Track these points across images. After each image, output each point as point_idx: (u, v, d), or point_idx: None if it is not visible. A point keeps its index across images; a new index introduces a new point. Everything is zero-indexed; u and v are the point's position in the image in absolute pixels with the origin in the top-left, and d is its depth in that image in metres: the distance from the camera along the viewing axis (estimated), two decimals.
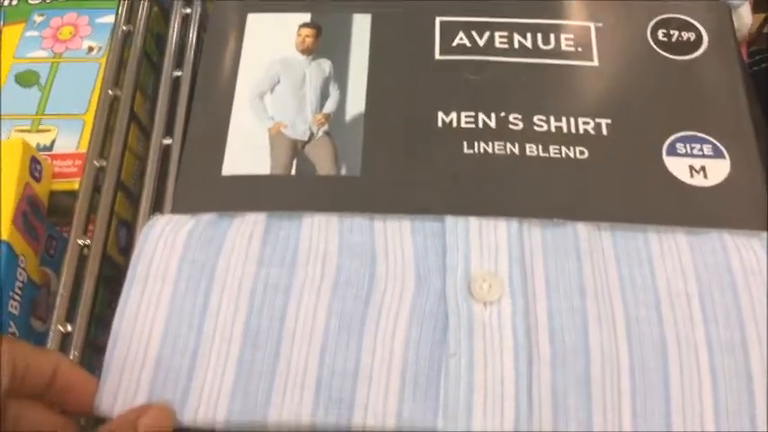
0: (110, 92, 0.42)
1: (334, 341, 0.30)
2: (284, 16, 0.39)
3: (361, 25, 0.38)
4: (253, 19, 0.39)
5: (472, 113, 0.36)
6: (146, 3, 0.45)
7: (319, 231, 0.33)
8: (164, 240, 0.33)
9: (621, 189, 0.34)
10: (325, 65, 0.38)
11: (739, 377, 0.30)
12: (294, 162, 0.35)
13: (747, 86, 0.37)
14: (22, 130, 0.45)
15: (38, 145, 0.44)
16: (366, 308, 0.31)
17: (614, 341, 0.30)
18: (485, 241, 0.32)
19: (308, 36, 0.39)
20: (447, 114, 0.36)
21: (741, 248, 0.32)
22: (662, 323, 0.31)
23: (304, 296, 0.31)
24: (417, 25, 0.38)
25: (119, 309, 0.32)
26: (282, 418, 0.29)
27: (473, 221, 0.33)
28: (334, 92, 0.37)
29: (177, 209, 0.35)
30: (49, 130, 0.45)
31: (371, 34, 0.38)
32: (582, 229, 0.32)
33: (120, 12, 0.45)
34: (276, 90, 0.37)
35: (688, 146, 0.35)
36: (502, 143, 0.35)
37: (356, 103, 0.36)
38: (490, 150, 0.35)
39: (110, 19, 0.49)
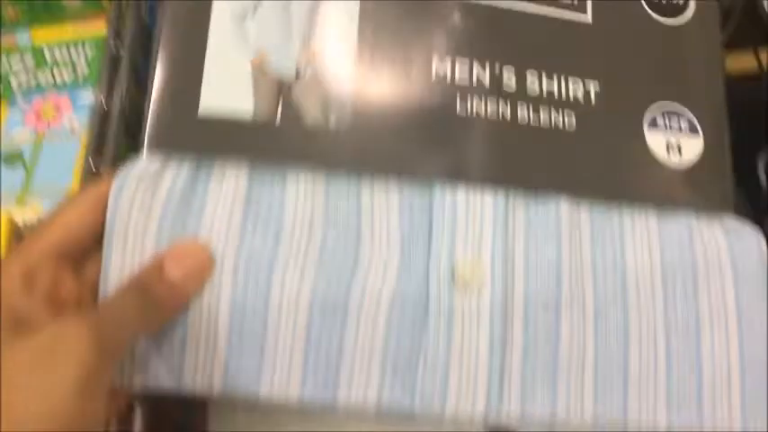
0: (91, 165, 0.42)
1: (319, 321, 0.31)
2: None
3: None
4: None
5: (467, 60, 0.34)
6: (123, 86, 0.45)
7: (305, 198, 0.32)
8: (139, 200, 0.31)
9: (603, 164, 0.35)
10: None
11: (690, 361, 0.33)
12: (279, 104, 0.33)
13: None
14: (8, 208, 0.47)
15: (24, 222, 0.46)
16: (350, 288, 0.31)
17: (582, 327, 0.32)
18: (470, 226, 0.32)
19: None
20: (442, 60, 0.34)
21: (704, 232, 0.34)
22: (627, 306, 0.33)
23: (288, 273, 0.31)
24: None
25: (102, 271, 0.30)
26: (273, 393, 0.30)
27: (461, 198, 0.33)
28: (322, 18, 0.33)
29: (151, 151, 0.32)
30: (34, 207, 0.47)
31: None
32: (564, 208, 0.33)
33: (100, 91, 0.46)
34: (258, 12, 0.33)
35: (667, 119, 0.35)
36: (494, 102, 0.34)
37: (347, 36, 0.33)
38: (482, 113, 0.33)
39: (90, 98, 0.50)
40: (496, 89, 0.34)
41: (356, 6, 0.34)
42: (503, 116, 0.34)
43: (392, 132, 0.33)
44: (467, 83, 0.34)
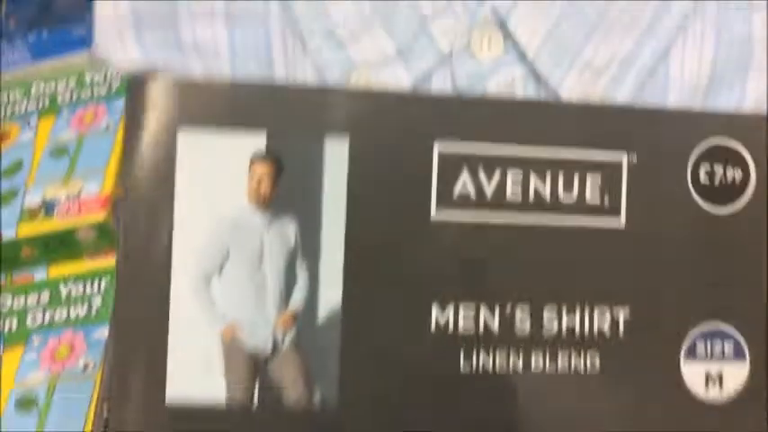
0: (103, 409, 0.41)
1: None
2: (230, 138, 0.29)
3: (336, 156, 0.30)
4: (186, 141, 0.29)
5: (473, 305, 0.30)
6: None
7: None
8: None
9: (629, 410, 0.31)
10: (290, 229, 0.30)
11: None
12: (256, 385, 0.29)
13: None
14: (55, 187, 0.51)
15: (67, 194, 0.51)
16: None
17: None
18: None
19: (264, 177, 0.29)
20: (443, 308, 0.30)
21: None
22: None
23: None
24: (410, 156, 0.30)
25: None
26: None
27: None
28: (301, 273, 0.30)
29: None
30: (76, 184, 0.51)
31: (349, 173, 0.30)
32: None
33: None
34: (226, 270, 0.30)
35: (709, 343, 0.31)
36: (505, 352, 0.30)
37: (330, 293, 0.30)
38: (490, 366, 0.30)
39: (104, 334, 0.50)
40: (507, 334, 0.30)
41: (340, 246, 0.30)
42: (514, 369, 0.30)
43: (384, 405, 0.29)
44: (472, 332, 0.30)
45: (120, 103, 0.58)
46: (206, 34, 0.31)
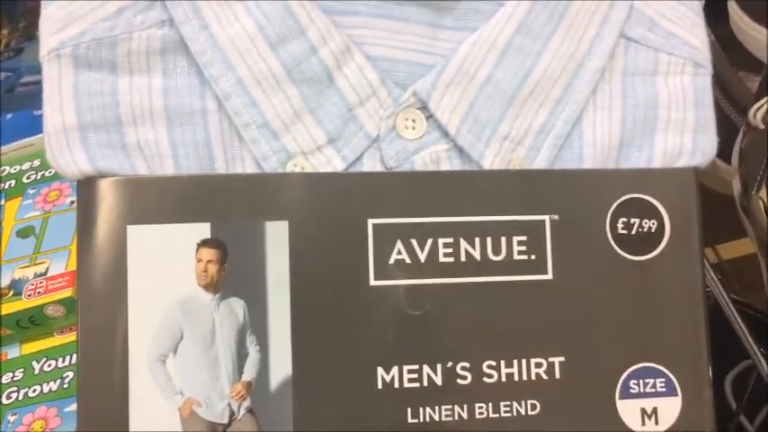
0: None
1: None
2: (176, 228, 0.31)
3: (277, 238, 0.31)
4: (136, 235, 0.31)
5: (416, 367, 0.32)
6: None
7: None
8: None
9: None
10: (238, 307, 0.31)
11: None
12: None
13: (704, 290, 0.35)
14: (23, 267, 0.55)
15: (35, 273, 0.54)
16: None
17: None
18: None
19: (210, 262, 0.31)
20: (388, 371, 0.32)
21: None
22: None
23: None
24: (346, 233, 0.32)
25: None
26: None
27: None
28: (252, 348, 0.31)
29: None
30: (43, 263, 0.55)
31: (291, 252, 0.31)
32: None
33: None
34: (180, 350, 0.31)
35: (642, 382, 0.33)
36: (449, 406, 0.32)
37: (281, 363, 0.31)
38: (437, 417, 0.32)
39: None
40: (450, 388, 0.32)
41: (287, 319, 0.31)
42: (459, 417, 0.32)
43: None
44: (417, 386, 0.32)
45: None
46: (148, 135, 0.32)
